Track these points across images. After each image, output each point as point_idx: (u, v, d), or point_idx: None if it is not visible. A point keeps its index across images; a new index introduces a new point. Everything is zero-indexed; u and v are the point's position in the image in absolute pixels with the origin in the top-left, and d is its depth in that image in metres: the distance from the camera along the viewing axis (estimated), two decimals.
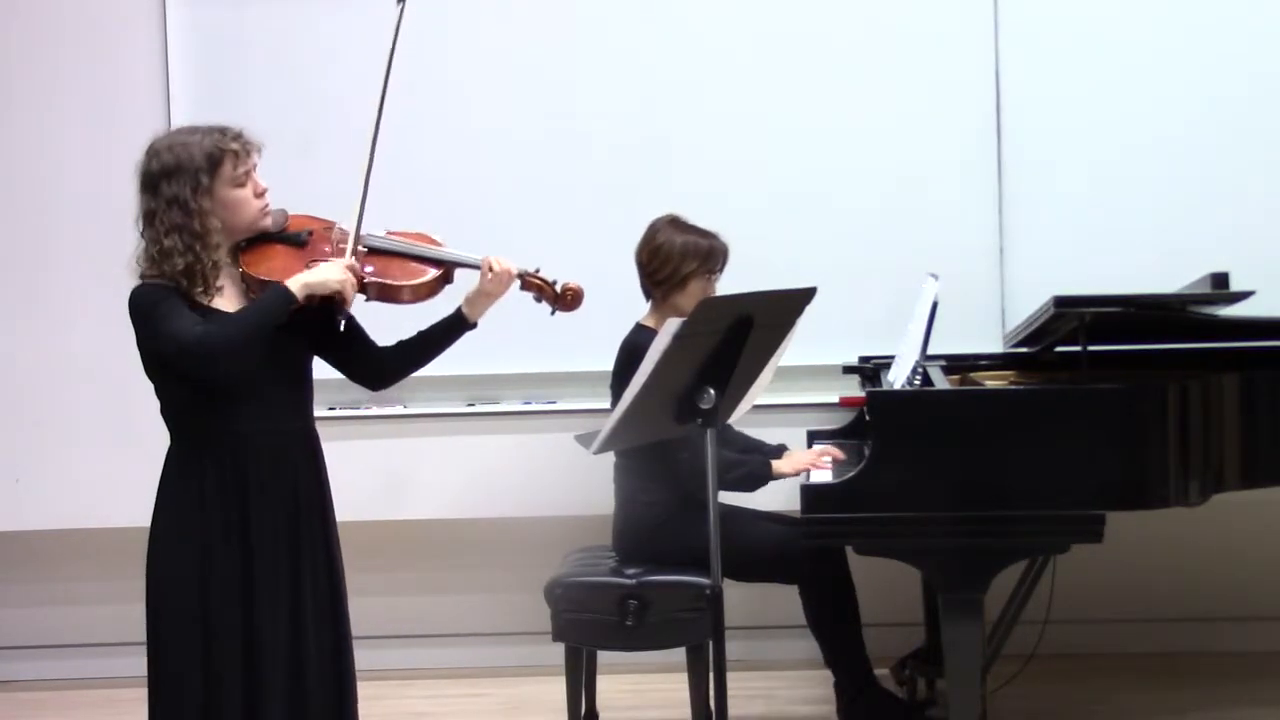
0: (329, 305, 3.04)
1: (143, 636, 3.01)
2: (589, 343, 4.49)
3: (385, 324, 3.25)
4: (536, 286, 3.26)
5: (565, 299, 3.27)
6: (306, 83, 4.82)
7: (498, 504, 4.81)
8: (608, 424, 3.07)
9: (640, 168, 4.77)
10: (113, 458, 4.82)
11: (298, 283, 2.96)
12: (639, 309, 4.13)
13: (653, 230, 4.09)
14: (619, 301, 4.05)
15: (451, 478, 4.81)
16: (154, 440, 2.98)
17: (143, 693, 3.02)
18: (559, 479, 4.72)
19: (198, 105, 4.77)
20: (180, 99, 4.84)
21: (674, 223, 4.09)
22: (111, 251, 4.80)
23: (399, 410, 4.83)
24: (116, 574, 4.89)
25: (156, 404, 3.01)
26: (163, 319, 2.90)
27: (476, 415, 4.85)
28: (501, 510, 4.82)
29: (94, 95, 4.90)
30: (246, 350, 2.92)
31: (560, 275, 3.28)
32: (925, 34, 4.74)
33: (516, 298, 3.26)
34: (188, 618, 2.96)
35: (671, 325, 2.90)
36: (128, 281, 3.03)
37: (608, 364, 4.05)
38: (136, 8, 4.88)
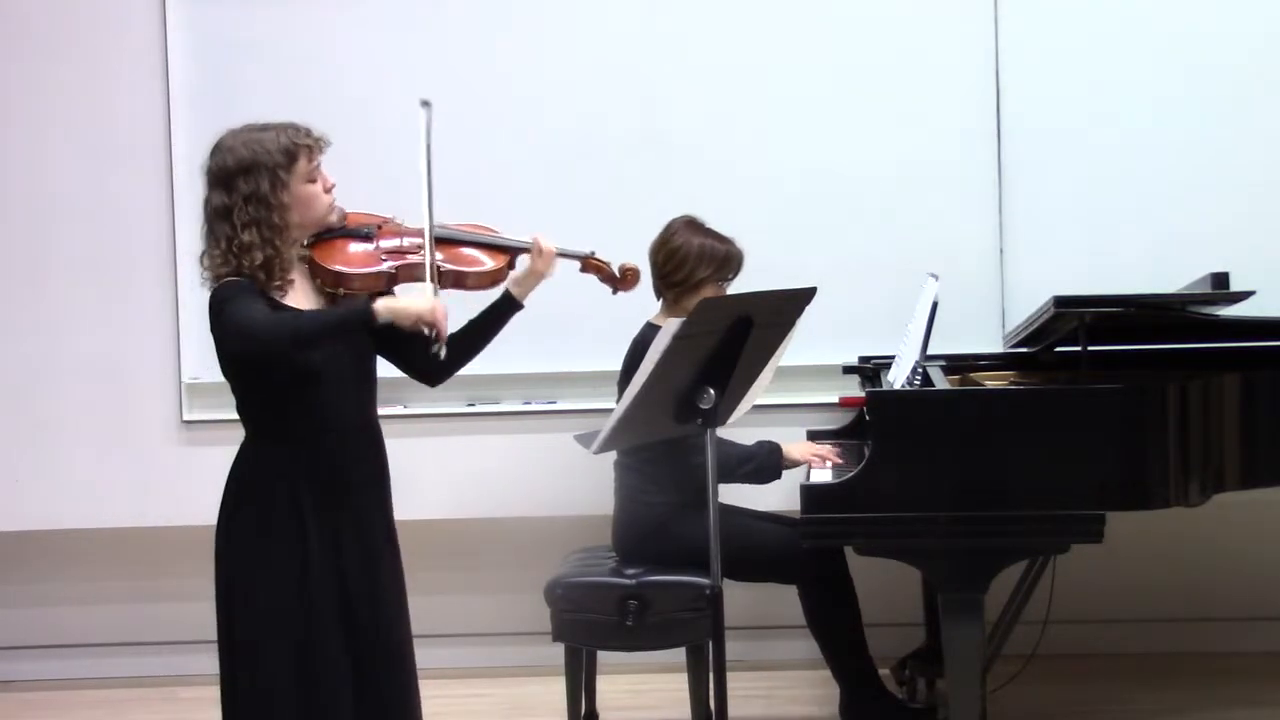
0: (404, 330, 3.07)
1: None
2: (588, 343, 4.50)
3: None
4: (596, 268, 3.42)
5: (626, 279, 3.45)
6: (306, 83, 4.81)
7: (498, 504, 4.81)
8: (608, 424, 3.07)
9: (640, 168, 4.76)
10: (113, 458, 4.81)
11: (384, 305, 2.94)
12: (639, 309, 4.11)
13: (669, 231, 4.04)
14: (619, 302, 4.03)
15: (451, 478, 4.80)
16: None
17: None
18: (559, 479, 4.71)
19: (198, 105, 4.78)
20: (180, 99, 4.84)
21: (691, 225, 4.04)
22: (111, 252, 4.80)
23: (399, 410, 4.80)
24: (116, 574, 4.91)
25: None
26: (237, 309, 2.89)
27: (476, 415, 4.85)
28: (501, 510, 4.82)
29: (94, 95, 4.89)
30: (310, 346, 2.92)
31: (615, 258, 3.45)
32: (925, 34, 4.74)
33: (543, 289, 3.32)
34: (286, 611, 2.99)
35: (671, 325, 2.90)
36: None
37: (607, 364, 4.05)
38: (136, 8, 4.87)
